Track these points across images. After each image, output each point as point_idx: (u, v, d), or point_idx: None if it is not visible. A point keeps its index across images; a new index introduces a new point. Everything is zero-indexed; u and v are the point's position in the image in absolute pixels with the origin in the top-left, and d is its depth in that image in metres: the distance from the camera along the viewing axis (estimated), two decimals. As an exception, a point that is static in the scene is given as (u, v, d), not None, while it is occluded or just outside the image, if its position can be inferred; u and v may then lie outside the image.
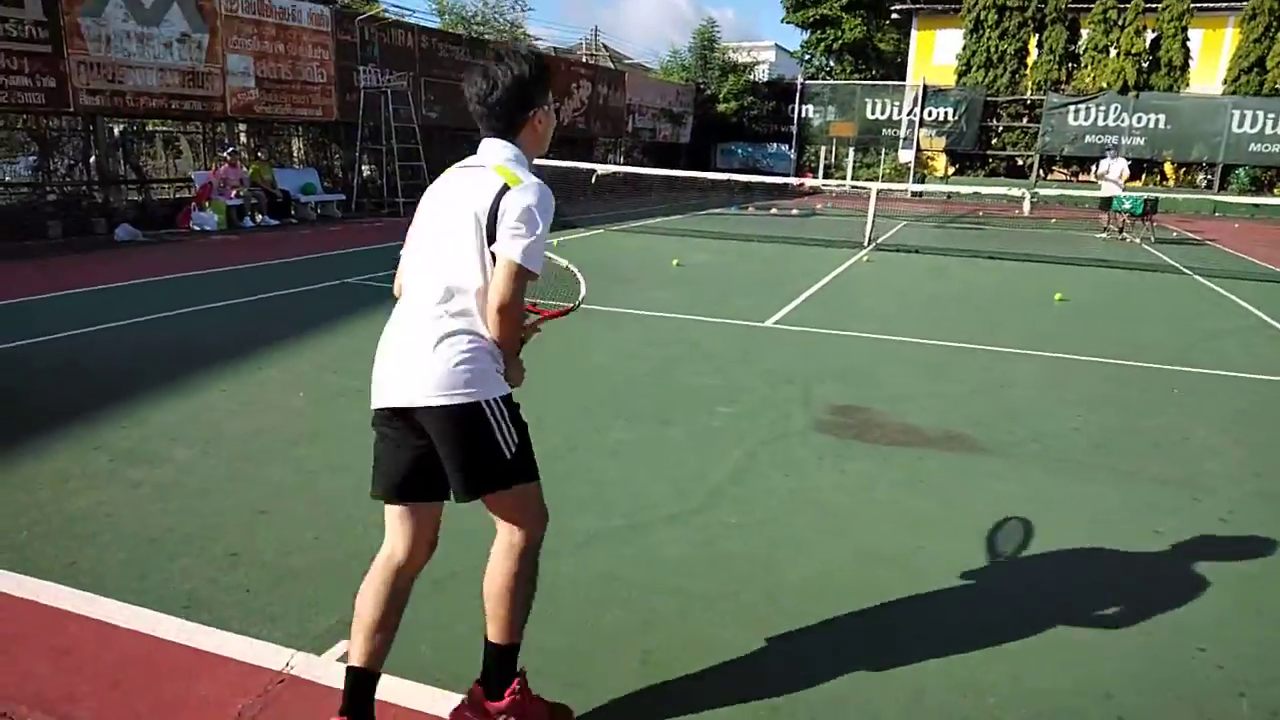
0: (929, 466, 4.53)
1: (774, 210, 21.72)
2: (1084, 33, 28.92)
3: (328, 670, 2.56)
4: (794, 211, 21.70)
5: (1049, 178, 29.51)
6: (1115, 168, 17.27)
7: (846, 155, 31.34)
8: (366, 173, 18.26)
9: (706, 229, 16.73)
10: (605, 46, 45.46)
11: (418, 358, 2.07)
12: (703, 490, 4.10)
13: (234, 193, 14.37)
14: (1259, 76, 27.30)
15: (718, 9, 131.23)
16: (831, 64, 43.18)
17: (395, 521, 2.19)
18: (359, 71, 17.17)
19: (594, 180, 15.56)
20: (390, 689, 2.41)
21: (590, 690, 2.54)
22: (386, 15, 18.76)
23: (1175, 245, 16.74)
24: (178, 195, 15.14)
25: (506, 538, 2.24)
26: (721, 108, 31.90)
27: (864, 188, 16.21)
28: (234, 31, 14.72)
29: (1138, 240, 16.74)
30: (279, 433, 4.66)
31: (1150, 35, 28.05)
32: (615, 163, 26.79)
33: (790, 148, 31.79)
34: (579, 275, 2.73)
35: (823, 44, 43.35)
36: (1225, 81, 27.88)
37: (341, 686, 2.18)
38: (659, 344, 7.16)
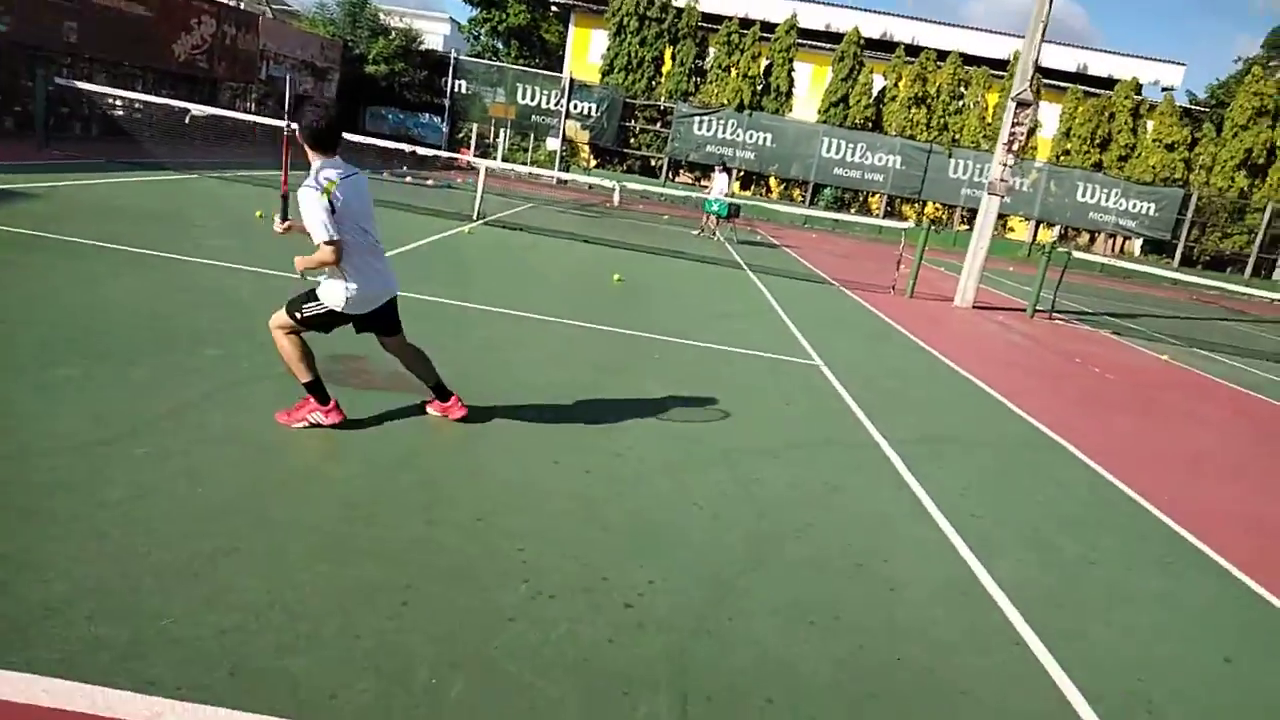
0: (389, 406, 4.85)
1: (408, 179, 21.46)
2: (711, 51, 32.04)
3: None
4: (429, 182, 21.62)
5: (676, 180, 32.34)
6: (720, 181, 19.32)
7: (499, 136, 31.84)
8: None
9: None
10: (256, -14, 41.67)
11: None
12: (125, 425, 4.03)
13: None
14: (844, 111, 32.19)
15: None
16: (499, 45, 43.72)
17: None
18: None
19: (188, 120, 14.30)
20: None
21: None
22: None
23: (753, 246, 19.23)
24: None
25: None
26: (370, 69, 30.83)
27: (475, 164, 16.63)
28: None
29: (721, 238, 18.99)
30: None
31: (765, 62, 31.81)
32: (245, 110, 24.75)
33: (443, 120, 31.59)
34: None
35: (489, 24, 43.75)
36: (819, 112, 32.46)
37: None
38: (184, 290, 6.83)
